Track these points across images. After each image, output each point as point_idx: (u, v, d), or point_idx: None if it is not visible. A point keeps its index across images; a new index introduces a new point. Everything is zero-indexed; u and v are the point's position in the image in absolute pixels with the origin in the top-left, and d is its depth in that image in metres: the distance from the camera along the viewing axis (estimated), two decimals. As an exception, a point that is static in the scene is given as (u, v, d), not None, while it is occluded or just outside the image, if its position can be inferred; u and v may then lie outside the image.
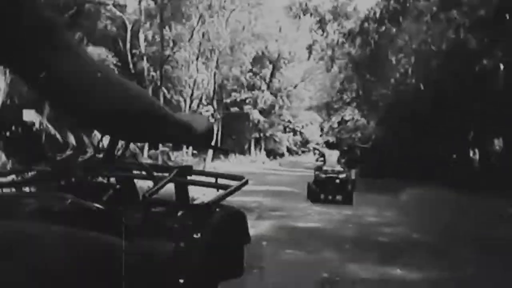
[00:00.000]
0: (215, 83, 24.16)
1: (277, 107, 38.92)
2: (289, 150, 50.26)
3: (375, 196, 15.16)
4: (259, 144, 40.97)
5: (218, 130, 40.37)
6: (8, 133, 12.88)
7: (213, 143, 1.67)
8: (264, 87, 36.92)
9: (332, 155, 14.49)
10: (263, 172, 26.58)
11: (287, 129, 47.97)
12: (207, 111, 32.34)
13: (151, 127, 1.07)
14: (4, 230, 0.95)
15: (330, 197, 13.29)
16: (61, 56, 0.83)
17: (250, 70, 35.80)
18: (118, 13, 23.38)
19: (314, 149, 16.02)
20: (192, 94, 27.28)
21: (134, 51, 24.20)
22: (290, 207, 11.58)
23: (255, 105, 36.63)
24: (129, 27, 24.21)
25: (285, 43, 35.44)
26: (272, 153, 44.89)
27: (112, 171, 1.72)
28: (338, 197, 13.28)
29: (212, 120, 31.82)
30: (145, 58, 23.81)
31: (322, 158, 14.55)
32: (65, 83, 0.85)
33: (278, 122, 42.17)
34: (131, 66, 24.16)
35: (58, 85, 0.85)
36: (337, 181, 13.21)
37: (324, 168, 13.74)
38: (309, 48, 26.35)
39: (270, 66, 37.08)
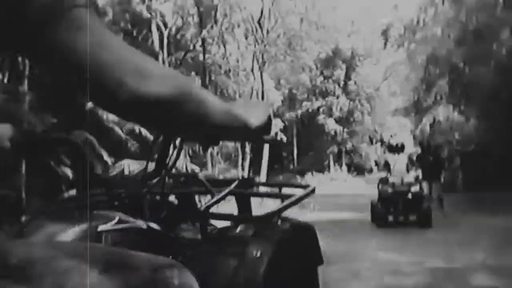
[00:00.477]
0: (262, 83, 19.47)
1: (356, 114, 33.61)
2: (378, 164, 44.37)
3: (485, 220, 9.99)
4: (340, 159, 35.81)
5: (293, 147, 36.35)
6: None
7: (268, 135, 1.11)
8: (338, 91, 31.91)
9: (398, 162, 10.87)
10: (338, 193, 21.67)
11: (374, 140, 42.43)
12: (275, 124, 28.24)
13: (196, 117, 0.85)
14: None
15: (401, 218, 10.11)
16: (81, 37, 0.72)
17: (321, 73, 31.27)
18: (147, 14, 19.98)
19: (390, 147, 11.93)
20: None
21: (170, 57, 20.56)
22: (340, 255, 6.78)
23: (330, 113, 31.76)
24: (165, 32, 20.77)
25: (359, 37, 30.38)
26: (357, 169, 39.60)
27: (169, 186, 1.55)
28: (412, 218, 10.01)
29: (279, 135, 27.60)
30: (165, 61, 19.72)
31: (386, 168, 11.13)
32: (91, 67, 0.72)
33: (361, 131, 36.85)
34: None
35: (81, 70, 0.72)
36: (409, 196, 10.00)
37: (390, 180, 10.35)
38: (384, 34, 21.22)
39: (344, 66, 31.99)
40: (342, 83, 31.93)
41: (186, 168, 16.63)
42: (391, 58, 30.36)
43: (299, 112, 30.84)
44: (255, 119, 0.96)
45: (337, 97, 31.47)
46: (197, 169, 17.79)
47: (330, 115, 31.87)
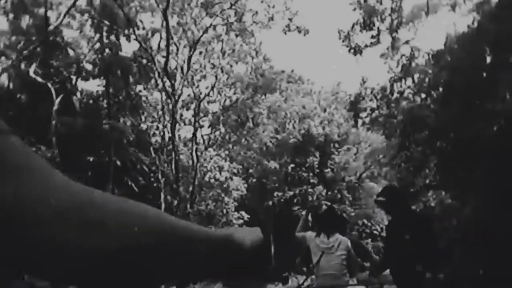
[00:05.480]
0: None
1: (336, 206, 29.73)
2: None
3: None
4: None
5: (269, 244, 32.17)
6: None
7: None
8: (313, 180, 28.23)
9: (331, 251, 5.54)
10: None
11: (363, 235, 38.06)
12: (239, 217, 24.35)
13: (172, 257, 0.71)
14: None
15: None
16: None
17: (292, 161, 27.93)
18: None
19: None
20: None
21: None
22: None
23: (305, 204, 27.89)
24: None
25: (331, 124, 27.44)
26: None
27: None
28: None
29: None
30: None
31: (308, 261, 5.73)
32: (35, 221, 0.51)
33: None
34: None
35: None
36: None
37: None
38: (353, 107, 17.83)
39: (317, 153, 28.65)
40: (316, 170, 28.41)
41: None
42: (371, 145, 27.32)
43: (270, 203, 27.04)
44: (246, 247, 0.79)
45: (313, 187, 27.78)
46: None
47: (305, 206, 28.05)
